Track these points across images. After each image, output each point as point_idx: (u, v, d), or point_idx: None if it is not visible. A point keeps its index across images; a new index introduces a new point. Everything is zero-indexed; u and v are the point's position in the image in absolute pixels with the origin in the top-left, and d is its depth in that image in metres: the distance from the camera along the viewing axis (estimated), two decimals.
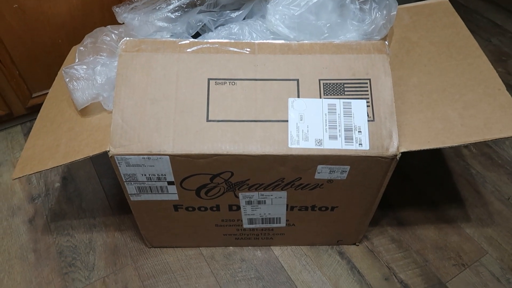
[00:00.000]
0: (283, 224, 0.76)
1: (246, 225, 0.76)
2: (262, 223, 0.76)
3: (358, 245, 0.84)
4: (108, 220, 0.89)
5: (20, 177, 0.66)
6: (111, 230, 0.87)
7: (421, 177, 0.95)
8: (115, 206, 0.91)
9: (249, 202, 0.70)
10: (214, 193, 0.68)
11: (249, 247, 0.83)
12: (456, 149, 1.00)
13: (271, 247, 0.84)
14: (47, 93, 0.81)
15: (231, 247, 0.83)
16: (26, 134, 1.06)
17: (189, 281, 0.79)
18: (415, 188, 0.93)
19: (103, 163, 0.99)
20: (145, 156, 0.60)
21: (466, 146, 1.01)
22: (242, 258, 0.82)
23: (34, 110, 0.99)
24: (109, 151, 0.60)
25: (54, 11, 0.89)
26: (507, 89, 0.64)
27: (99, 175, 0.97)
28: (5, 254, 0.84)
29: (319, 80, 0.62)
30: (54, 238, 0.86)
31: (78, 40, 0.77)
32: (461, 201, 0.90)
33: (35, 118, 0.76)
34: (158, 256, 0.83)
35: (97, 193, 0.94)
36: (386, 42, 0.64)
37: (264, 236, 0.80)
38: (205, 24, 0.70)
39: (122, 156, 0.60)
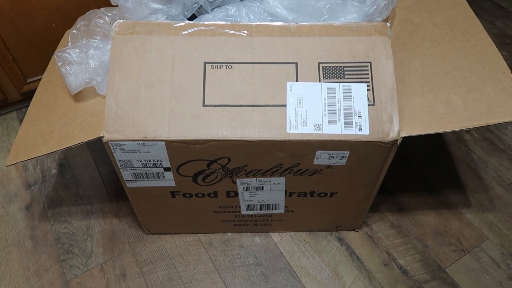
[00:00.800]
0: (281, 210, 0.76)
1: (244, 212, 0.76)
2: (261, 210, 0.75)
3: (357, 231, 0.83)
4: (106, 207, 0.88)
5: (14, 163, 0.65)
6: (109, 216, 0.86)
7: (422, 162, 0.94)
8: (112, 192, 0.90)
9: (247, 188, 0.69)
10: (212, 179, 0.67)
11: (248, 234, 0.83)
12: (457, 134, 0.99)
13: (270, 233, 0.83)
14: None
15: (229, 234, 0.83)
16: (22, 120, 1.04)
17: (187, 267, 0.79)
18: (415, 173, 0.92)
19: (99, 150, 0.98)
20: (140, 142, 0.59)
21: (468, 131, 0.99)
22: (241, 245, 0.82)
23: (29, 96, 0.97)
24: (103, 136, 0.58)
25: None
26: None
27: (96, 162, 0.96)
28: (2, 241, 0.83)
29: (318, 63, 0.61)
30: (51, 225, 0.85)
31: (72, 23, 0.74)
32: (462, 186, 0.89)
33: None
34: (156, 243, 0.82)
35: (94, 179, 0.93)
36: (387, 23, 0.62)
37: (263, 223, 0.80)
38: (201, 5, 0.68)
39: (117, 142, 0.59)
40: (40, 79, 0.80)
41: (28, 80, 1.00)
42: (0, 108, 1.05)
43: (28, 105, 0.75)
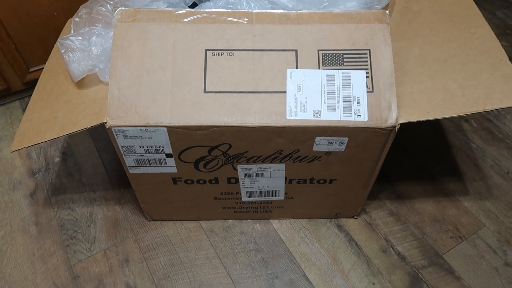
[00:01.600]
0: (281, 197, 0.77)
1: (245, 198, 0.77)
2: (261, 196, 0.76)
3: (356, 218, 0.84)
4: (108, 194, 0.89)
5: (18, 149, 0.66)
6: (112, 204, 0.88)
7: (421, 151, 0.95)
8: (115, 180, 0.92)
9: (247, 175, 0.70)
10: (213, 165, 0.68)
11: (248, 220, 0.84)
12: (456, 124, 0.99)
13: (270, 220, 0.84)
14: None
15: (230, 220, 0.84)
16: (25, 109, 1.05)
17: (189, 253, 0.80)
18: (414, 162, 0.93)
19: (102, 139, 0.99)
20: (143, 128, 0.60)
21: (466, 121, 1.00)
22: (241, 231, 0.83)
23: (32, 85, 0.97)
24: (106, 122, 0.59)
25: None
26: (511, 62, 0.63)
27: (98, 150, 0.97)
28: (7, 227, 0.85)
29: (318, 50, 0.61)
30: (55, 212, 0.87)
31: (74, 12, 0.75)
32: (460, 175, 0.90)
33: None
34: (158, 229, 0.84)
35: (97, 167, 0.94)
36: (387, 11, 0.63)
37: (263, 209, 0.81)
38: None
39: (119, 128, 0.60)
40: (42, 69, 0.81)
41: (31, 69, 1.01)
42: (3, 97, 1.06)
43: (31, 94, 0.76)
